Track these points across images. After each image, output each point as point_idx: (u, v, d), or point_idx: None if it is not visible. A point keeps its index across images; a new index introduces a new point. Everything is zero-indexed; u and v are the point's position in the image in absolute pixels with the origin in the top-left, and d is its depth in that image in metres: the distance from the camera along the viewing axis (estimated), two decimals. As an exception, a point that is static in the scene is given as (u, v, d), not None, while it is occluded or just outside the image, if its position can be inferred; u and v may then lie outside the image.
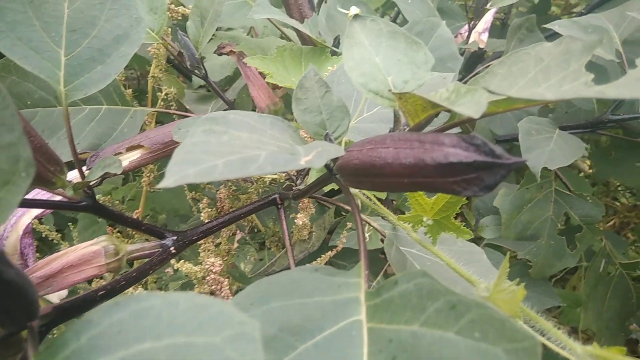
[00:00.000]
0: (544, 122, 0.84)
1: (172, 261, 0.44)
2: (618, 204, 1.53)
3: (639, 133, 0.92)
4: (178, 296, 0.18)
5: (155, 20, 0.53)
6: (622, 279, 0.96)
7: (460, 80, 0.88)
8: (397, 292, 0.25)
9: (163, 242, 0.42)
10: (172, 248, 0.42)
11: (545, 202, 0.86)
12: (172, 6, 0.58)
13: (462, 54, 0.99)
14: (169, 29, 0.57)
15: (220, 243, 0.54)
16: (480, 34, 1.03)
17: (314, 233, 0.70)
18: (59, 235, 0.72)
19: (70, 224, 0.71)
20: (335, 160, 0.36)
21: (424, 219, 0.42)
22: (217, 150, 0.26)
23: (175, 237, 0.42)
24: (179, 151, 0.25)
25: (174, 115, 0.67)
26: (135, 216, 0.73)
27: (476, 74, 0.75)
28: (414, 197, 0.41)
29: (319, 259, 0.58)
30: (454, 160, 0.25)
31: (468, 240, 0.48)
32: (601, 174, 1.22)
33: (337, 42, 0.69)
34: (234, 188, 0.63)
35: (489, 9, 0.94)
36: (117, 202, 0.71)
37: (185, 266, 0.45)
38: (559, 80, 0.28)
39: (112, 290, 0.35)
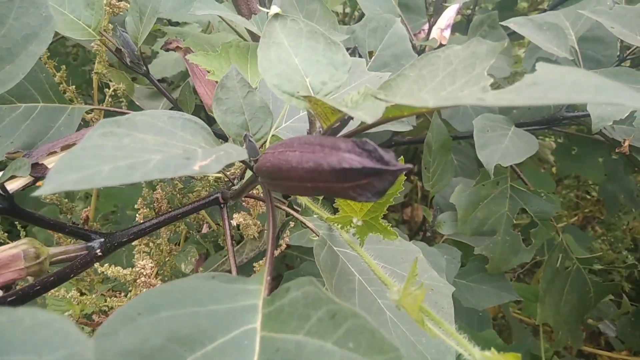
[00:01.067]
0: (500, 119, 0.84)
1: (97, 265, 0.43)
2: (589, 197, 1.55)
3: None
4: (24, 313, 0.17)
5: (91, 16, 0.52)
6: (579, 273, 0.98)
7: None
8: (287, 300, 0.25)
9: (89, 244, 0.41)
10: (98, 250, 0.41)
11: (501, 199, 0.86)
12: (113, 1, 0.56)
13: (423, 51, 0.99)
14: (110, 25, 0.56)
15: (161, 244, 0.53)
16: (442, 31, 1.03)
17: (265, 231, 0.70)
18: (6, 234, 0.71)
19: (17, 223, 0.70)
20: (257, 162, 0.36)
21: (354, 219, 0.42)
22: (110, 155, 0.26)
23: (102, 240, 0.42)
24: (65, 156, 0.24)
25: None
26: (84, 214, 0.72)
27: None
28: (342, 198, 0.41)
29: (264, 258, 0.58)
30: (346, 166, 0.25)
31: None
32: (564, 169, 1.23)
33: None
34: (181, 186, 0.62)
35: (447, 6, 0.94)
36: (65, 200, 0.69)
37: (111, 269, 0.44)
38: (462, 84, 0.28)
39: (25, 296, 0.34)
